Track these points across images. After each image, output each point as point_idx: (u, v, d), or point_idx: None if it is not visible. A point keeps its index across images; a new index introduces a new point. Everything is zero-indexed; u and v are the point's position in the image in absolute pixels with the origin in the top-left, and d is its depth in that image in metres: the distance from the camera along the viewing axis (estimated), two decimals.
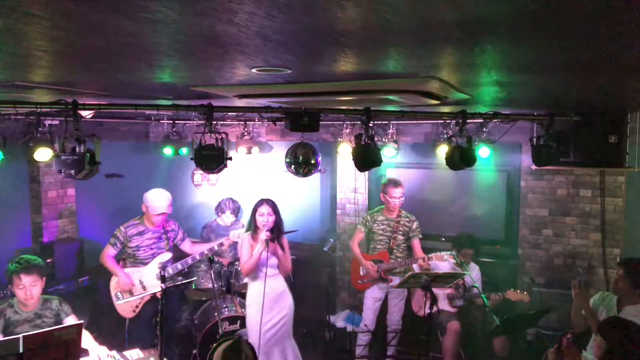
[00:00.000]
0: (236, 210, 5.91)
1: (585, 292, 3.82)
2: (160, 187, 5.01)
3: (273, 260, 4.48)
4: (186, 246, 5.17)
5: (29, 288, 3.54)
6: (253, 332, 4.40)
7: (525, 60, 2.17)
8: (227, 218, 5.87)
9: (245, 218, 6.03)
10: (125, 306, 4.80)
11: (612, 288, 3.88)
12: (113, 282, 4.83)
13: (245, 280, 5.45)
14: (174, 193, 6.13)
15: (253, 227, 4.49)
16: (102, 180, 5.56)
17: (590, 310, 3.78)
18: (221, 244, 5.11)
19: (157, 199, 4.83)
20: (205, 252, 5.03)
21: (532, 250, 5.74)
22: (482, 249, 5.68)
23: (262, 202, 4.50)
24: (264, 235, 4.33)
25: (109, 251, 4.79)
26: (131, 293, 4.76)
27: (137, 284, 4.80)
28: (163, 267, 4.75)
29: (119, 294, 4.79)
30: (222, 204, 5.93)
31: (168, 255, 4.94)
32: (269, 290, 4.42)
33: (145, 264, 4.86)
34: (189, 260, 5.00)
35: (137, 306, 4.82)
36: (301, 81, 2.81)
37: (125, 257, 4.92)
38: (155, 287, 4.68)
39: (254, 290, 4.47)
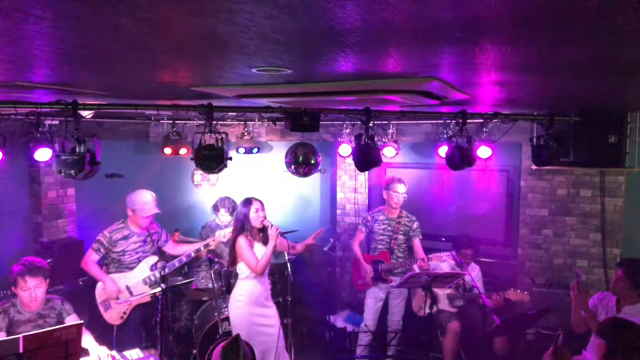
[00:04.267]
0: (231, 209, 5.88)
1: (584, 293, 3.82)
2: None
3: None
4: (169, 247, 5.01)
5: (33, 290, 3.54)
6: (244, 329, 4.31)
7: (525, 60, 2.17)
8: (223, 216, 5.85)
9: None
10: (113, 313, 4.62)
11: (611, 288, 3.88)
12: (98, 288, 4.63)
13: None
14: (173, 193, 6.13)
15: (248, 227, 4.34)
16: (102, 180, 5.55)
17: (590, 311, 3.78)
18: (207, 245, 4.92)
19: (147, 201, 4.64)
20: (192, 254, 4.86)
21: (532, 250, 5.74)
22: (482, 248, 5.69)
23: (250, 200, 4.38)
24: (274, 230, 4.25)
25: (92, 257, 4.58)
26: (118, 299, 4.58)
27: (124, 289, 4.62)
28: (162, 267, 4.71)
29: (106, 301, 4.61)
30: (217, 203, 5.91)
31: (154, 259, 4.76)
32: (265, 289, 4.42)
33: (131, 268, 4.68)
34: (176, 263, 4.81)
35: (124, 312, 4.64)
36: (301, 81, 2.81)
37: (109, 263, 4.70)
38: (142, 292, 4.57)
39: (257, 289, 4.38)
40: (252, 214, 4.33)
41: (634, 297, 3.71)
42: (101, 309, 4.63)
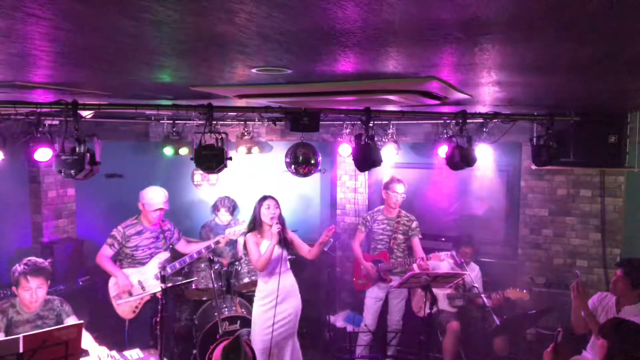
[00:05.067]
0: (231, 208, 5.90)
1: (584, 294, 3.82)
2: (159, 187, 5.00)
3: (285, 255, 4.49)
4: (181, 246, 5.12)
5: (35, 291, 3.53)
6: (262, 329, 4.40)
7: (525, 60, 2.17)
8: (223, 216, 5.86)
9: (242, 216, 6.02)
10: (125, 307, 4.74)
11: (611, 289, 3.88)
12: (111, 283, 4.75)
13: (246, 280, 5.46)
14: (173, 193, 6.10)
15: (258, 224, 4.46)
16: (102, 180, 5.55)
17: (589, 312, 3.78)
18: (217, 242, 5.09)
19: (154, 195, 4.78)
20: (203, 250, 4.99)
21: (532, 250, 5.74)
22: (482, 248, 5.68)
23: (265, 197, 4.52)
24: (275, 228, 4.29)
25: (106, 252, 4.71)
26: (130, 294, 4.70)
27: (136, 284, 4.74)
28: (163, 266, 4.74)
29: (119, 295, 4.72)
30: (217, 202, 5.94)
31: (166, 255, 4.88)
32: (281, 287, 4.42)
33: (144, 264, 4.81)
34: (187, 259, 4.95)
35: (137, 307, 4.76)
36: (301, 81, 2.81)
37: (122, 258, 4.83)
38: (154, 287, 4.64)
39: (267, 287, 4.45)
40: (263, 210, 4.44)
41: (633, 296, 3.71)
42: (114, 303, 4.74)
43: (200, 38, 1.75)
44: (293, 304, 4.53)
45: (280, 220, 4.44)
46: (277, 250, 4.38)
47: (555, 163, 4.68)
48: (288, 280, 4.52)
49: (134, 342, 4.29)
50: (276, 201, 4.49)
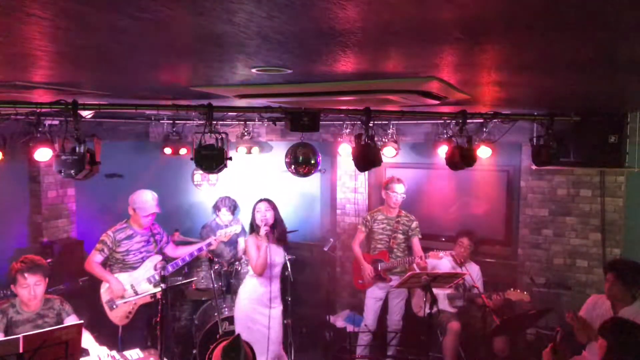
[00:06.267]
0: (232, 208, 5.89)
1: (582, 322, 3.82)
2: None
3: (279, 259, 4.49)
4: (169, 250, 5.05)
5: (32, 288, 3.53)
6: (241, 324, 4.42)
7: (525, 60, 2.17)
8: (224, 216, 5.86)
9: (243, 216, 6.03)
10: (119, 313, 4.63)
11: (606, 294, 3.87)
12: (103, 289, 4.63)
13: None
14: (173, 193, 6.11)
15: (255, 227, 4.52)
16: (102, 180, 5.55)
17: (588, 323, 3.78)
18: (209, 245, 5.01)
19: (148, 199, 4.70)
20: (195, 253, 4.95)
21: (532, 250, 5.74)
22: (482, 248, 5.69)
23: (259, 200, 4.58)
24: (263, 230, 4.37)
25: (96, 258, 4.59)
26: (123, 299, 4.60)
27: (128, 289, 4.64)
28: (162, 267, 4.71)
29: (111, 301, 4.62)
30: (218, 202, 5.93)
31: (158, 258, 4.79)
32: (269, 290, 4.43)
33: (135, 268, 4.71)
34: (180, 262, 4.89)
35: (130, 312, 4.66)
36: (301, 81, 2.81)
37: (112, 263, 4.70)
38: (147, 291, 4.59)
39: (254, 287, 4.47)
40: (255, 214, 4.51)
41: (628, 298, 3.71)
42: (106, 309, 4.64)
43: (200, 38, 1.75)
44: (275, 315, 4.52)
45: (277, 222, 4.49)
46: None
47: (555, 163, 4.68)
48: (275, 287, 4.56)
49: (128, 347, 4.23)
50: (268, 204, 4.52)
